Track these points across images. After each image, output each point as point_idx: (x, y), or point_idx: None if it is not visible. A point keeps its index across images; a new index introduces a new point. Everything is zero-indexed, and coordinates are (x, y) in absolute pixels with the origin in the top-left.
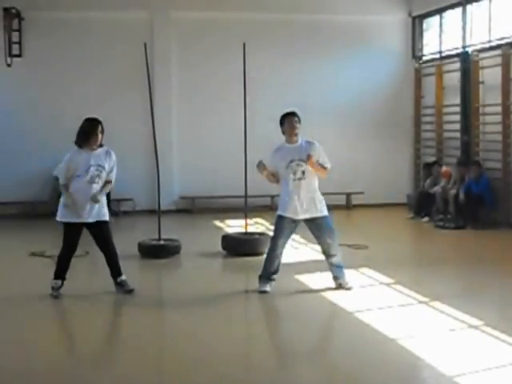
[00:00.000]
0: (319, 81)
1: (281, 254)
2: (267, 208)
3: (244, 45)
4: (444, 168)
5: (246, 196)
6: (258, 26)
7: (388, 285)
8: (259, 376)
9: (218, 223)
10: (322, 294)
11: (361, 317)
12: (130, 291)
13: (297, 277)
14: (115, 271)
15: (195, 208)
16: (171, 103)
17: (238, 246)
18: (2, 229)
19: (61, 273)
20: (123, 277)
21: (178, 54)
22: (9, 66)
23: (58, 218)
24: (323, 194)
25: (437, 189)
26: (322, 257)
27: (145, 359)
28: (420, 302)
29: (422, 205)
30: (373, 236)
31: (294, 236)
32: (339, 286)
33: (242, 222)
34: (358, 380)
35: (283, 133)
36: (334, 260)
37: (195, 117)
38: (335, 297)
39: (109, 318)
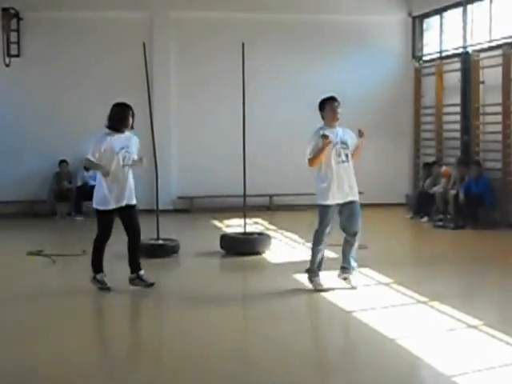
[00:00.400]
0: (319, 81)
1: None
2: (266, 208)
3: (243, 45)
4: (444, 168)
5: (244, 195)
6: (257, 26)
7: (387, 284)
8: (257, 375)
9: (216, 223)
10: (321, 293)
11: (360, 316)
12: (151, 285)
13: (295, 276)
14: (134, 263)
15: (193, 208)
16: (170, 103)
17: (236, 246)
18: (0, 228)
19: (100, 265)
20: (143, 270)
21: (177, 54)
22: (7, 66)
23: (95, 206)
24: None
25: (436, 189)
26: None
27: (142, 357)
28: (419, 302)
29: (422, 205)
30: (372, 236)
31: (291, 235)
32: (344, 280)
33: (240, 221)
34: (356, 380)
35: (323, 118)
36: (353, 251)
37: (194, 117)
38: (334, 296)
39: (106, 317)
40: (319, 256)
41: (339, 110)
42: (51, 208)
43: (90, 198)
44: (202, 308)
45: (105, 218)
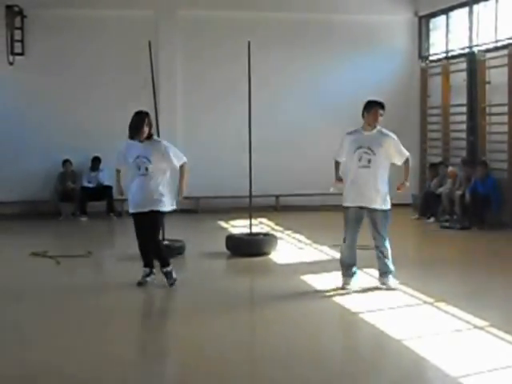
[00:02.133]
0: (325, 80)
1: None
2: (272, 208)
3: (249, 43)
4: (450, 168)
5: (250, 196)
6: (263, 24)
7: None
8: (263, 376)
9: (222, 223)
10: (327, 294)
11: (366, 317)
12: (171, 284)
13: (302, 277)
14: (159, 262)
15: (200, 208)
16: (176, 102)
17: (242, 247)
18: (3, 228)
19: (147, 261)
20: (168, 268)
21: (183, 53)
22: (11, 64)
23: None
24: (328, 193)
25: (443, 189)
26: (327, 257)
27: (146, 360)
28: (425, 303)
29: (428, 205)
30: None
31: (298, 236)
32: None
33: (246, 222)
34: (362, 381)
35: (363, 116)
36: (384, 255)
37: (200, 116)
38: (340, 298)
39: (111, 318)
40: (344, 260)
41: (381, 118)
42: (55, 208)
43: (95, 199)
44: (209, 310)
45: (134, 221)
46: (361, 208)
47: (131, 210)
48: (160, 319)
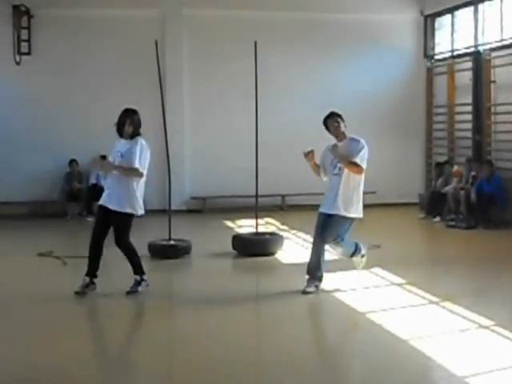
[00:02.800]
0: (330, 79)
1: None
2: (278, 208)
3: (255, 43)
4: (455, 168)
5: (256, 196)
6: (269, 24)
7: (399, 285)
8: (269, 376)
9: (228, 223)
10: (333, 294)
11: (372, 317)
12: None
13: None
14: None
15: (206, 208)
16: (183, 102)
17: (248, 246)
18: (11, 229)
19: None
20: (135, 276)
21: (190, 52)
22: (18, 63)
23: None
24: None
25: (448, 188)
26: (332, 256)
27: (155, 359)
28: (431, 303)
29: (434, 204)
30: (384, 236)
31: (303, 235)
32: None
33: (252, 221)
34: (368, 381)
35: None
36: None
37: (206, 116)
38: (346, 297)
39: (117, 319)
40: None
41: (340, 126)
42: (62, 208)
43: None
44: (215, 310)
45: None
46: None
47: (99, 202)
48: (166, 318)
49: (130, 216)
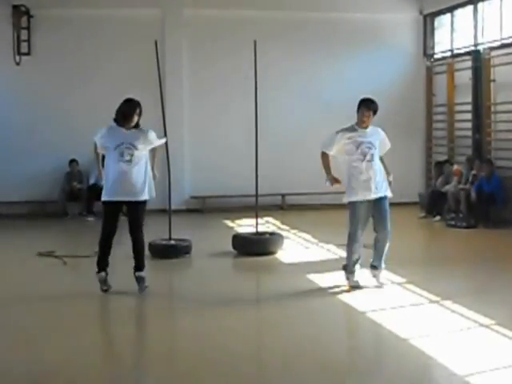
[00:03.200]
0: (330, 78)
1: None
2: (278, 207)
3: (255, 43)
4: (455, 167)
5: (256, 195)
6: (269, 23)
7: (399, 284)
8: (270, 376)
9: (228, 223)
10: (334, 293)
11: (372, 316)
12: (143, 290)
13: (308, 276)
14: (136, 263)
15: (206, 208)
16: (182, 102)
17: (248, 246)
18: (11, 228)
19: (103, 263)
20: (142, 273)
21: (190, 52)
22: (17, 64)
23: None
24: (334, 192)
25: (448, 187)
26: (333, 256)
27: (155, 359)
28: (431, 302)
29: (434, 204)
30: None
31: (304, 235)
32: (373, 277)
33: (252, 221)
34: (369, 380)
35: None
36: (384, 246)
37: (206, 115)
38: (346, 296)
39: (118, 319)
40: (355, 255)
41: (365, 119)
42: (62, 208)
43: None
44: (216, 309)
45: (104, 210)
46: (368, 201)
47: (108, 198)
48: (166, 318)
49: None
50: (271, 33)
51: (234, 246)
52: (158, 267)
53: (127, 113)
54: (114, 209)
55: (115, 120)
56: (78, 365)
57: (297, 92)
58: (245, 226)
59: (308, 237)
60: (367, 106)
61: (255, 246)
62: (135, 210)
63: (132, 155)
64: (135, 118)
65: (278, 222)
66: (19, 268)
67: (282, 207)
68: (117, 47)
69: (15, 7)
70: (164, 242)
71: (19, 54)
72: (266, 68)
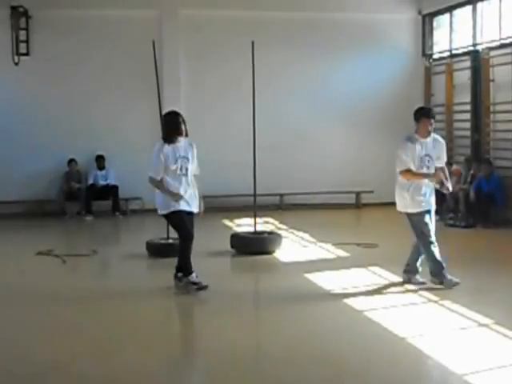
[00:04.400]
0: (329, 79)
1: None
2: (276, 207)
3: (252, 43)
4: (454, 166)
5: (254, 195)
6: (266, 24)
7: (398, 283)
8: (268, 375)
9: (226, 222)
10: (332, 292)
11: (370, 315)
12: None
13: (306, 276)
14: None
15: (204, 207)
16: (180, 101)
17: (246, 245)
18: (9, 228)
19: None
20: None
21: (187, 53)
22: (16, 64)
23: (160, 212)
24: (332, 192)
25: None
26: (331, 256)
27: (151, 359)
28: (430, 301)
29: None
30: (382, 235)
31: (302, 234)
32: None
33: (251, 220)
34: (367, 379)
35: (416, 124)
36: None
37: (204, 115)
38: (345, 295)
39: (117, 319)
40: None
41: (430, 128)
42: (61, 208)
43: (100, 198)
44: (213, 309)
45: (175, 218)
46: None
47: (183, 208)
48: (164, 317)
49: None
50: (269, 33)
51: (233, 245)
52: (156, 266)
53: (174, 124)
54: (186, 216)
55: (164, 138)
56: (77, 364)
57: (295, 92)
58: (243, 225)
59: (306, 236)
60: (430, 116)
61: (253, 246)
62: (192, 219)
63: (187, 169)
64: (184, 127)
65: (276, 222)
66: (19, 267)
67: (280, 207)
68: (115, 48)
69: (14, 8)
70: (162, 241)
71: (18, 54)
72: (263, 69)
